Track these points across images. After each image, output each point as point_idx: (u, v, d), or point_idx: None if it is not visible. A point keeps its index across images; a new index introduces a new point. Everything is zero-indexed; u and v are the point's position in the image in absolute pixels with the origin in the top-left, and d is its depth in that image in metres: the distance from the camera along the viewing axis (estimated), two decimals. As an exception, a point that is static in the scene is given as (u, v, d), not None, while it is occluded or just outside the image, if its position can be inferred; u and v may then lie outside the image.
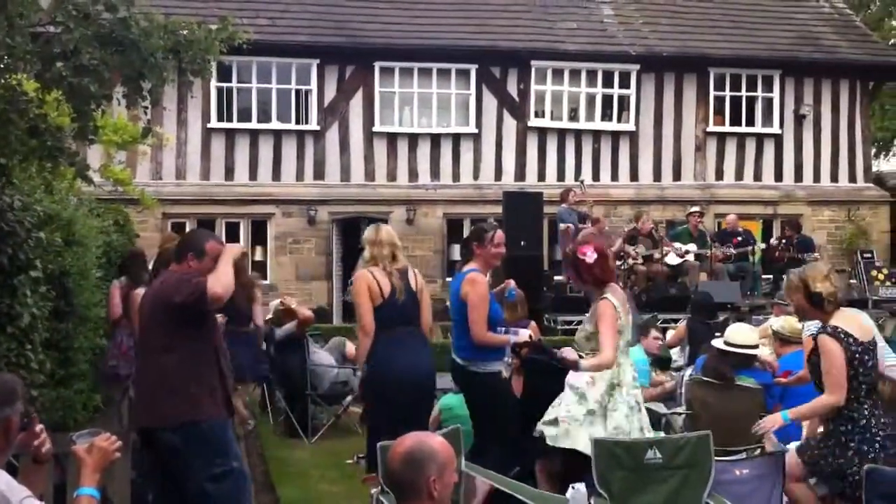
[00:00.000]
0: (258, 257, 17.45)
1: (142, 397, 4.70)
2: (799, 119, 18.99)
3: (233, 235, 16.86)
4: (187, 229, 16.40)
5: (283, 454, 8.20)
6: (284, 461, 7.99)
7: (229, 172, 17.15)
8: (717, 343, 6.82)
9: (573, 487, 5.46)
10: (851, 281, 16.88)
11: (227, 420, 4.75)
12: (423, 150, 17.73)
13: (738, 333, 6.69)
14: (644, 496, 4.43)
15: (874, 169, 21.74)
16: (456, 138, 17.81)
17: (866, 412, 4.80)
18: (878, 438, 4.78)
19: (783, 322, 7.17)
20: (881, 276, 17.65)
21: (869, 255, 18.39)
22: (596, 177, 17.95)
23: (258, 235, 17.35)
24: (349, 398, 9.10)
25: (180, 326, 4.53)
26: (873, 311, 15.10)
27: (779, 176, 19.03)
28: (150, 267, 7.15)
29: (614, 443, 4.60)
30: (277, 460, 7.95)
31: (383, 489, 4.01)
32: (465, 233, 17.37)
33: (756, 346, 6.58)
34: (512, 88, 17.93)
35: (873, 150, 23.61)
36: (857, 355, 4.75)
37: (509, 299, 6.63)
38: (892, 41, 26.46)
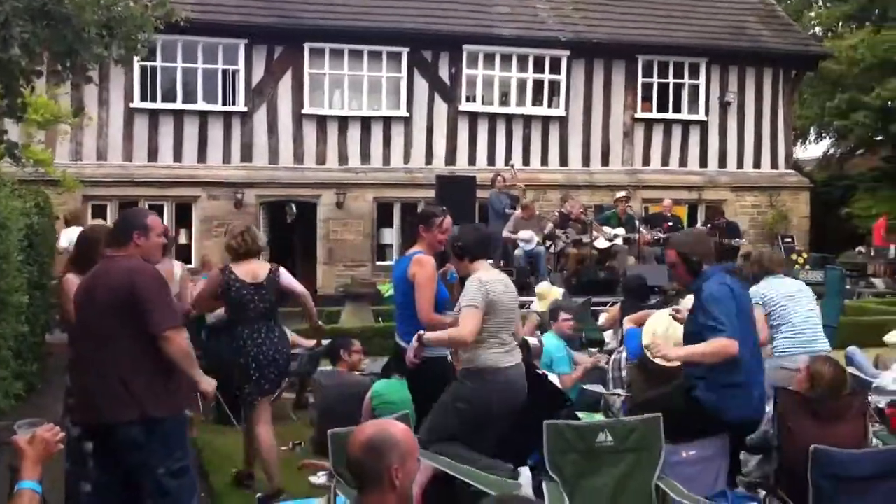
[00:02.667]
0: (183, 241, 17.06)
1: (96, 392, 4.46)
2: (724, 106, 19.37)
3: (157, 218, 16.42)
4: (109, 212, 15.98)
5: (214, 441, 7.99)
6: (216, 448, 7.79)
7: (153, 154, 16.71)
8: (647, 338, 6.88)
9: (519, 471, 5.45)
10: (773, 265, 17.27)
11: (185, 415, 4.66)
12: (354, 133, 17.55)
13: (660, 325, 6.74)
14: (595, 479, 4.43)
15: (793, 157, 22.31)
16: (387, 122, 17.67)
17: None
18: None
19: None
20: (801, 260, 18.14)
21: (789, 240, 18.91)
22: (526, 161, 18.03)
23: (183, 218, 16.97)
24: (283, 384, 8.93)
25: (141, 324, 4.38)
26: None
27: (704, 162, 19.38)
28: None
29: (566, 426, 4.58)
30: (208, 447, 7.74)
31: (337, 478, 3.93)
32: (396, 217, 17.50)
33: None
34: (443, 72, 17.85)
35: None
36: None
37: (451, 281, 6.56)
38: (811, 32, 27.17)
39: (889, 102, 23.35)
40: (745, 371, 4.97)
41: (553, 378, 7.14)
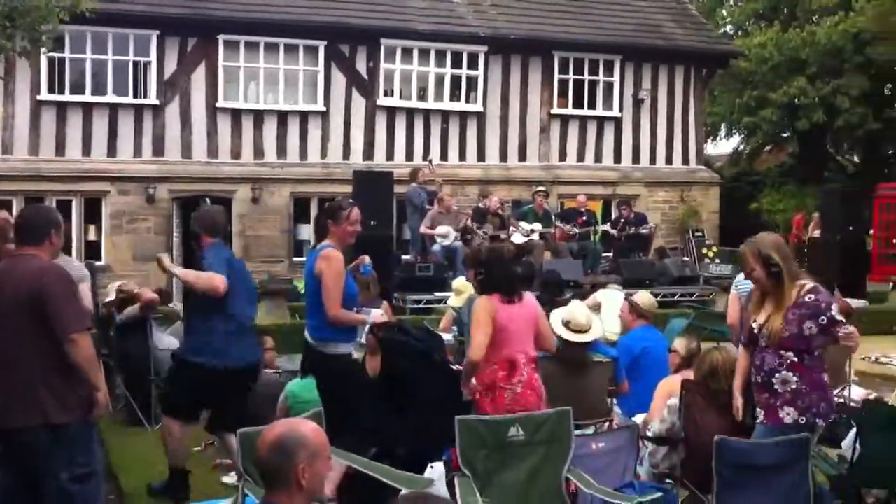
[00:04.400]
0: (92, 237, 16.66)
1: (3, 394, 4.31)
2: (637, 103, 19.71)
3: (64, 214, 15.88)
4: (14, 207, 15.45)
5: (123, 443, 7.82)
6: (126, 449, 7.62)
7: (60, 147, 16.23)
8: (560, 329, 6.97)
9: (431, 467, 5.46)
10: (684, 259, 17.69)
11: (91, 420, 4.53)
12: (270, 127, 17.33)
13: (578, 317, 6.83)
14: (507, 473, 4.46)
15: (703, 153, 22.86)
16: (304, 116, 17.50)
17: None
18: None
19: (640, 297, 7.39)
20: (711, 254, 18.64)
21: (700, 234, 19.39)
22: (444, 157, 18.06)
23: (92, 214, 16.53)
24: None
25: (48, 327, 4.26)
26: (703, 287, 15.98)
27: (618, 157, 19.70)
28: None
29: (477, 421, 4.60)
30: (118, 449, 7.57)
31: (246, 479, 3.88)
32: (313, 212, 17.34)
33: (589, 329, 6.70)
34: (361, 66, 17.76)
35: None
36: None
37: (364, 275, 6.53)
38: (722, 30, 27.84)
39: (795, 100, 24.08)
40: None
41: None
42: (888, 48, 21.34)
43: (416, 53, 18.08)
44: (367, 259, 6.43)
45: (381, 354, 5.96)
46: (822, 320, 4.71)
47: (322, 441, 2.89)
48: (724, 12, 30.41)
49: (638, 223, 16.70)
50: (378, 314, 6.06)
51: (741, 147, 29.46)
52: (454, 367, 6.32)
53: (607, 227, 16.88)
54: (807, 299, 4.75)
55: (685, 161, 20.27)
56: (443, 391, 5.77)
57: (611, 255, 16.77)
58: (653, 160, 19.99)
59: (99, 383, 4.47)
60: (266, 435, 2.89)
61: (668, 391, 5.76)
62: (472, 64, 18.44)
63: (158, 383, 8.44)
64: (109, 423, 8.44)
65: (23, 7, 5.24)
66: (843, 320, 4.82)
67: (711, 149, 30.08)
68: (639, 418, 6.13)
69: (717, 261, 18.36)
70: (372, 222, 13.43)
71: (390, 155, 17.90)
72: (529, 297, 5.68)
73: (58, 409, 4.30)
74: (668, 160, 20.13)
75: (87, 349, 4.33)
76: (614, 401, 6.74)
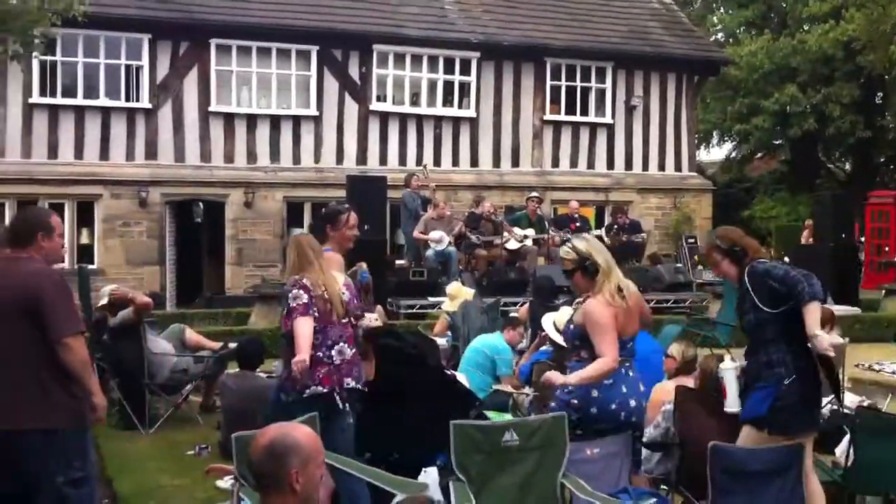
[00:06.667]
0: (84, 240, 16.62)
1: None
2: (629, 110, 19.77)
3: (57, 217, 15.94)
4: (6, 210, 15.43)
5: (118, 446, 7.79)
6: (119, 454, 7.60)
7: (52, 151, 16.21)
8: (554, 334, 6.98)
9: (425, 472, 5.46)
10: (677, 265, 17.71)
11: (87, 425, 4.51)
12: (263, 131, 17.33)
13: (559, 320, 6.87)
14: (502, 478, 4.45)
15: (696, 160, 22.92)
16: (296, 120, 17.50)
17: None
18: None
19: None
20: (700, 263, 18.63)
21: (692, 241, 19.40)
22: (437, 162, 18.08)
23: (84, 217, 16.49)
24: (189, 387, 8.77)
25: (42, 330, 4.25)
26: (697, 294, 16.00)
27: (611, 164, 19.75)
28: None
29: (472, 426, 4.60)
30: (112, 453, 7.54)
31: (241, 483, 3.88)
32: (306, 216, 17.33)
33: None
34: (354, 71, 17.78)
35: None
36: None
37: (362, 282, 6.54)
38: (714, 38, 27.96)
39: (787, 108, 24.20)
40: None
41: (462, 378, 7.18)
42: (878, 56, 21.47)
43: (408, 59, 18.10)
44: (364, 266, 6.46)
45: (375, 359, 5.95)
46: None
47: (315, 445, 2.88)
48: (715, 20, 30.55)
49: (632, 230, 16.71)
50: (373, 318, 6.06)
51: (733, 154, 29.58)
52: (448, 372, 6.34)
53: (601, 232, 16.90)
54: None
55: (678, 167, 20.33)
56: (437, 396, 5.77)
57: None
58: (645, 166, 20.05)
59: (93, 387, 4.45)
60: (258, 439, 2.88)
61: (661, 397, 5.78)
62: (465, 69, 18.48)
63: (152, 387, 8.43)
64: (103, 428, 8.40)
65: (14, 11, 5.23)
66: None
67: (704, 156, 30.22)
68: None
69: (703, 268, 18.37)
70: (366, 227, 13.44)
71: (383, 160, 17.91)
72: None
73: (52, 413, 4.28)
74: (661, 166, 20.19)
75: (80, 353, 4.31)
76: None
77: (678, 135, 20.26)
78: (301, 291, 5.12)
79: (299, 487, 2.82)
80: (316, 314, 5.08)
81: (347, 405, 5.19)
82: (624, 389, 4.86)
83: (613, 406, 4.81)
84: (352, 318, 5.28)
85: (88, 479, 4.47)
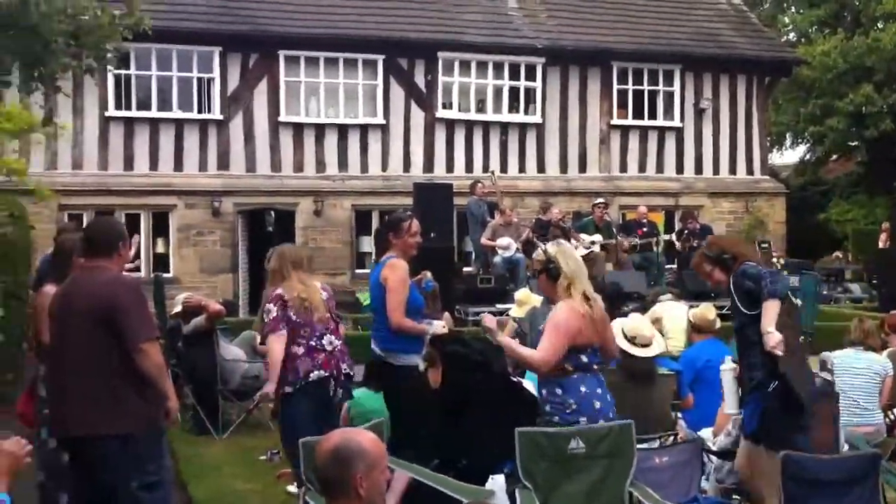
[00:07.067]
0: (160, 250, 16.99)
1: (76, 403, 4.40)
2: (699, 113, 19.49)
3: (133, 227, 16.34)
4: (84, 221, 15.86)
5: (192, 452, 7.97)
6: (194, 459, 7.77)
7: (128, 162, 16.62)
8: (623, 343, 6.91)
9: (492, 479, 5.46)
10: (750, 270, 17.35)
11: (162, 429, 4.63)
12: (331, 140, 17.53)
13: (643, 331, 6.78)
14: (568, 486, 4.43)
15: (769, 162, 22.48)
16: (363, 129, 17.66)
17: None
18: None
19: (695, 312, 7.35)
20: (778, 266, 18.19)
21: (766, 246, 18.97)
22: (504, 169, 18.05)
23: (160, 227, 16.88)
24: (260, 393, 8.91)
25: (118, 337, 4.37)
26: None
27: (680, 168, 19.50)
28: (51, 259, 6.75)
29: (538, 433, 4.58)
30: (187, 458, 7.72)
31: (307, 487, 3.93)
32: (374, 224, 17.47)
33: (652, 342, 6.69)
34: (420, 80, 17.87)
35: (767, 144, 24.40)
36: None
37: (426, 290, 6.57)
38: (785, 38, 27.40)
39: (863, 108, 23.57)
40: None
41: (528, 384, 7.14)
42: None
43: (473, 66, 18.13)
44: (429, 274, 6.50)
45: (442, 366, 5.98)
46: None
47: (379, 451, 2.91)
48: (787, 19, 29.92)
49: (703, 236, 16.46)
50: (440, 326, 6.09)
51: (808, 156, 28.92)
52: (514, 379, 6.32)
53: (672, 237, 16.69)
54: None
55: (749, 171, 19.98)
56: (503, 402, 5.76)
57: (675, 266, 16.57)
58: (716, 170, 19.74)
59: (168, 392, 4.55)
60: (323, 445, 2.92)
61: None
62: (530, 75, 18.44)
63: (225, 393, 8.60)
64: (178, 433, 8.62)
65: (87, 26, 5.41)
66: None
67: (777, 158, 29.62)
68: (704, 432, 6.06)
69: (785, 272, 17.93)
70: (432, 234, 13.50)
71: (450, 167, 17.97)
72: None
73: (126, 418, 4.38)
74: (732, 170, 19.86)
75: (156, 358, 4.42)
76: (678, 414, 6.67)
77: (749, 137, 19.91)
78: (272, 306, 5.70)
79: (364, 492, 2.85)
80: (294, 318, 5.69)
81: (340, 390, 5.84)
82: (597, 406, 4.77)
83: (583, 419, 4.71)
84: (333, 315, 5.88)
85: (162, 484, 4.56)
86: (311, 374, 5.64)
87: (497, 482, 5.38)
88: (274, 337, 5.69)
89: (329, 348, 5.72)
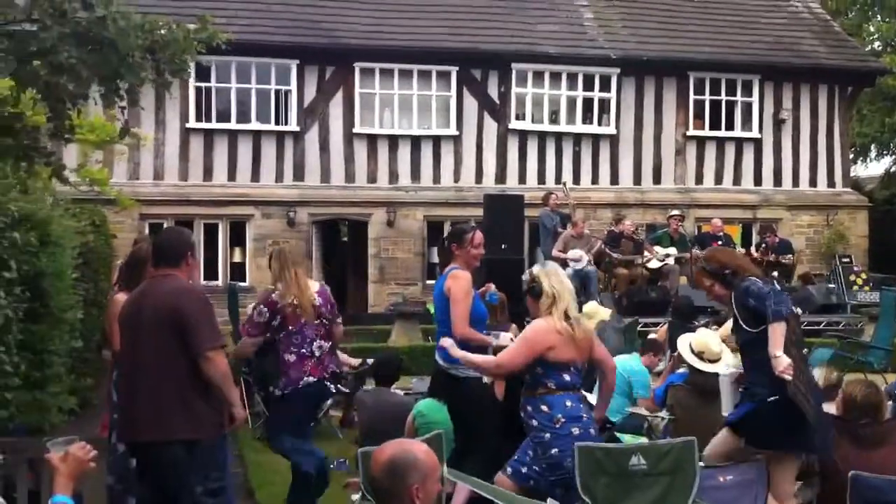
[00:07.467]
0: (237, 259, 17.32)
1: (144, 409, 4.52)
2: (778, 123, 19.09)
3: (211, 237, 16.74)
4: (165, 230, 16.26)
5: (261, 459, 8.08)
6: (263, 465, 7.88)
7: (208, 173, 17.01)
8: (690, 358, 6.81)
9: (556, 493, 5.42)
10: (830, 285, 16.93)
11: (224, 436, 4.73)
12: (404, 151, 17.67)
13: (711, 347, 6.69)
14: (628, 502, 4.38)
15: (852, 174, 21.88)
16: (436, 140, 17.77)
17: None
18: None
19: None
20: (860, 281, 17.70)
21: (847, 260, 18.46)
22: (577, 180, 17.95)
23: (237, 237, 17.22)
24: (329, 402, 9.01)
25: (185, 345, 4.48)
26: (851, 316, 15.24)
27: (758, 180, 19.12)
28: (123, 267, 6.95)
29: (597, 448, 4.55)
30: (255, 464, 7.84)
31: (364, 495, 3.96)
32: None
33: (719, 359, 6.61)
34: (493, 91, 17.91)
35: (851, 156, 23.76)
36: None
37: (491, 302, 6.57)
38: (870, 47, 26.67)
39: (951, 119, 22.82)
40: None
41: (593, 399, 7.08)
42: None
43: (547, 77, 18.09)
44: (493, 286, 6.51)
45: (506, 378, 5.97)
46: None
47: (433, 462, 2.92)
48: (872, 28, 29.11)
49: (782, 251, 16.11)
50: (507, 338, 6.08)
51: (894, 168, 28.06)
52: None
53: (751, 250, 16.37)
54: None
55: (830, 183, 19.48)
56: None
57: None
58: (795, 182, 19.30)
59: (234, 399, 4.63)
60: (378, 456, 2.92)
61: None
62: (605, 86, 18.31)
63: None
64: (248, 440, 8.77)
65: (162, 41, 5.59)
66: None
67: (861, 170, 28.79)
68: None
69: (867, 288, 17.43)
70: (503, 246, 13.48)
71: (522, 178, 17.94)
72: None
73: (193, 424, 4.47)
74: (812, 182, 19.39)
75: (222, 366, 4.50)
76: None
77: (831, 149, 19.41)
78: (265, 309, 6.01)
79: (419, 503, 2.86)
80: (288, 326, 5.98)
81: (332, 388, 6.22)
82: (576, 431, 4.84)
83: (567, 462, 4.72)
84: (324, 320, 6.11)
85: (225, 490, 4.64)
86: (301, 382, 5.94)
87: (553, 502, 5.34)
88: (248, 340, 6.26)
89: (318, 353, 6.06)
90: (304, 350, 5.98)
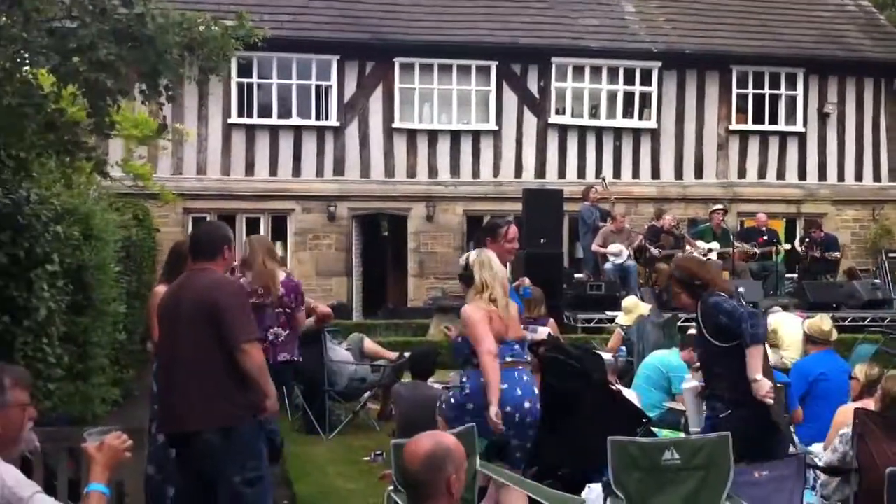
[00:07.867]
0: (278, 253, 17.44)
1: (182, 400, 4.60)
2: (823, 117, 18.80)
3: (253, 231, 16.89)
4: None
5: (300, 450, 8.19)
6: (301, 457, 7.98)
7: (249, 168, 17.17)
8: None
9: (589, 487, 5.42)
10: (875, 281, 16.66)
11: (262, 426, 4.77)
12: (443, 146, 17.69)
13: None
14: (661, 497, 4.36)
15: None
16: (476, 135, 17.76)
17: None
18: None
19: (810, 323, 7.16)
20: (905, 277, 17.43)
21: (894, 255, 18.18)
22: (617, 174, 17.84)
23: (278, 231, 17.37)
24: (367, 395, 9.09)
25: (222, 337, 4.54)
26: (897, 312, 15.00)
27: (802, 174, 18.85)
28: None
29: (630, 443, 4.53)
30: (294, 456, 7.93)
31: (396, 487, 3.99)
32: (486, 230, 17.50)
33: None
34: (532, 85, 17.85)
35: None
36: None
37: (525, 296, 6.58)
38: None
39: None
40: None
41: (631, 394, 7.06)
42: None
43: (587, 71, 17.99)
44: (527, 281, 6.53)
45: (540, 372, 5.98)
46: None
47: (462, 451, 2.97)
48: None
49: (828, 246, 15.89)
50: (544, 332, 6.08)
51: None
52: (615, 387, 6.26)
53: (795, 243, 16.17)
54: None
55: (876, 177, 19.15)
56: (602, 412, 5.71)
57: (795, 276, 16.04)
58: (840, 177, 19.00)
59: (269, 390, 4.68)
60: (415, 449, 2.95)
61: (843, 419, 5.50)
62: (646, 80, 18.16)
63: (332, 394, 8.80)
64: (286, 432, 8.86)
65: (200, 38, 5.67)
66: None
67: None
68: (815, 447, 5.87)
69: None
70: (542, 240, 13.50)
71: (562, 173, 17.86)
72: None
73: (231, 414, 4.54)
74: (858, 176, 19.08)
75: (257, 358, 4.57)
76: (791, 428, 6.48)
77: (877, 142, 19.09)
78: None
79: (455, 493, 2.90)
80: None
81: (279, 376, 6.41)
82: (518, 392, 5.12)
83: (508, 408, 5.02)
84: (286, 309, 6.59)
85: (263, 478, 4.69)
86: None
87: (594, 490, 5.34)
88: None
89: (271, 339, 6.60)
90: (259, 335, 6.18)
